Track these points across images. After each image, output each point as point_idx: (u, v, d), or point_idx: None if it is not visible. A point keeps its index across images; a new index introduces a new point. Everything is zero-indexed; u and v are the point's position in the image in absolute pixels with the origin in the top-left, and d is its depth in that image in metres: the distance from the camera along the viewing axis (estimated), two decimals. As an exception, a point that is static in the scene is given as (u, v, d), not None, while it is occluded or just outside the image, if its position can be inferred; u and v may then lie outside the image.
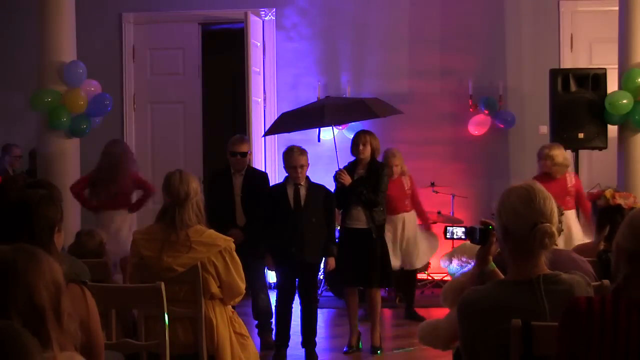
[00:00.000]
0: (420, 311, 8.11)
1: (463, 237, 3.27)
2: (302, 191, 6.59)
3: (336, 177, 6.89)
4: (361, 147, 6.90)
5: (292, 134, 7.86)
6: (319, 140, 7.37)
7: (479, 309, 2.73)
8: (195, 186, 4.54)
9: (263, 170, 8.51)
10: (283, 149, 6.81)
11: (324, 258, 6.76)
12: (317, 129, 7.50)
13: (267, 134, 8.32)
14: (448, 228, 3.34)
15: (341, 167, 6.99)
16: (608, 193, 4.55)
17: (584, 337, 2.39)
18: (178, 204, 4.49)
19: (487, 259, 3.13)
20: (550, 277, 2.76)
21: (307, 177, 6.68)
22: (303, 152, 6.64)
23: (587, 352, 2.38)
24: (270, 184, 7.32)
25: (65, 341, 2.23)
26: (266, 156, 9.76)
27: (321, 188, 6.74)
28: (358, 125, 8.59)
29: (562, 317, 2.45)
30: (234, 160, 7.08)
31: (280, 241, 6.54)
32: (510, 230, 2.78)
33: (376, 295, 6.96)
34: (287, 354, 6.64)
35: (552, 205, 2.79)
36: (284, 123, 7.63)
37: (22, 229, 3.19)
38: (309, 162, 6.69)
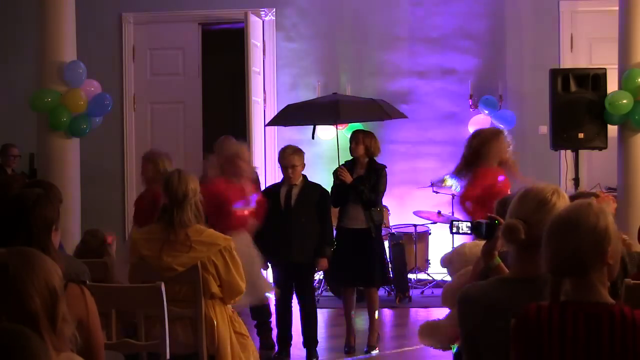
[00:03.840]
0: (421, 311, 8.10)
1: (468, 231, 3.26)
2: (295, 191, 6.54)
3: (336, 174, 6.88)
4: (353, 145, 6.87)
5: (290, 132, 7.83)
6: (313, 138, 7.39)
7: (479, 306, 2.73)
8: (194, 186, 4.53)
9: (262, 169, 8.50)
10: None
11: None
12: (312, 128, 7.53)
13: (270, 124, 8.28)
14: (454, 222, 3.32)
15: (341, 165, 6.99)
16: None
17: (534, 345, 2.39)
18: (176, 204, 4.48)
19: (492, 254, 3.12)
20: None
21: (304, 177, 6.65)
22: (297, 151, 6.58)
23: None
24: (270, 184, 7.31)
25: (61, 345, 2.19)
26: (266, 155, 9.75)
27: (316, 187, 6.67)
28: (357, 125, 8.58)
29: (514, 325, 2.45)
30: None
31: (272, 242, 6.52)
32: None
33: (374, 295, 6.95)
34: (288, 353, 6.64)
35: None
36: (291, 115, 7.55)
37: (20, 228, 3.19)
38: (307, 161, 6.65)
